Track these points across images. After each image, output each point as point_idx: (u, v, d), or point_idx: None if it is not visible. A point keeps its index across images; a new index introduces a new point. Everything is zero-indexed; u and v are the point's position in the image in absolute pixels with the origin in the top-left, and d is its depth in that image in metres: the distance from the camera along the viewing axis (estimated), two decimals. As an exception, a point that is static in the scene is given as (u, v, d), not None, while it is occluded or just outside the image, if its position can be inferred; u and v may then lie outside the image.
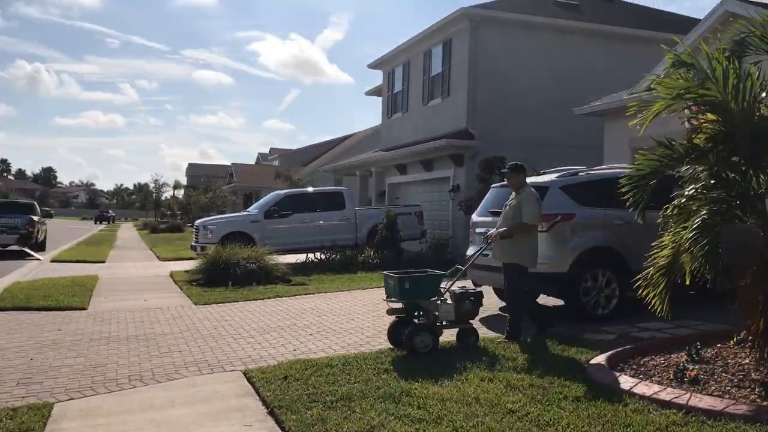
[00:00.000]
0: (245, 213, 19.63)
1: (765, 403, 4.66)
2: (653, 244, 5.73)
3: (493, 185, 10.05)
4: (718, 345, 6.16)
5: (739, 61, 5.25)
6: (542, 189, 8.68)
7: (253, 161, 72.79)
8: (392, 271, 7.28)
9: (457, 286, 7.33)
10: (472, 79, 19.12)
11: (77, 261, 20.89)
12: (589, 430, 4.35)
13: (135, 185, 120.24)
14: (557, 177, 8.84)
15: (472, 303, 7.14)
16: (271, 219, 17.43)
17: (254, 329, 8.71)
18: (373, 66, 26.28)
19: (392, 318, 7.23)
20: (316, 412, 4.95)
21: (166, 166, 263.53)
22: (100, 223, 78.63)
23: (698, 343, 5.98)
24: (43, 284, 13.46)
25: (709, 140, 5.40)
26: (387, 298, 7.14)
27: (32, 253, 23.31)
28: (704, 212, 5.29)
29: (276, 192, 19.43)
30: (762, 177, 5.29)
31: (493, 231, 7.65)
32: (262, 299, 11.46)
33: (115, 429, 4.95)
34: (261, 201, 19.35)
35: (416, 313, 7.01)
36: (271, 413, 5.13)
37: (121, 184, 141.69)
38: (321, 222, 17.99)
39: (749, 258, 5.30)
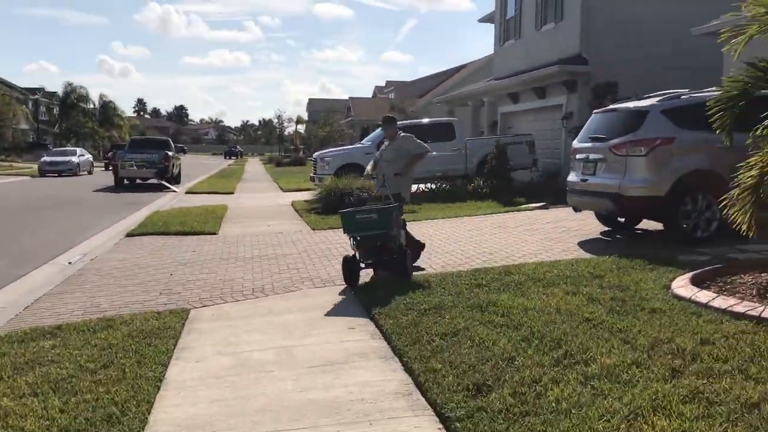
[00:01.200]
0: (359, 145, 20.37)
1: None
2: (739, 164, 5.77)
3: (594, 111, 10.06)
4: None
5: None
6: (642, 113, 8.69)
7: (370, 95, 73.64)
8: (352, 209, 7.63)
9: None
10: (585, 1, 18.53)
11: (209, 193, 22.69)
12: (658, 336, 4.68)
13: (260, 121, 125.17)
14: (658, 101, 8.77)
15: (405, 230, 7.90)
16: (383, 151, 18.02)
17: (363, 251, 9.43)
18: (486, -8, 25.85)
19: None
20: (411, 318, 5.57)
21: (289, 102, 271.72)
22: (229, 158, 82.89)
23: (791, 263, 6.04)
24: (179, 213, 14.94)
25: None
26: (353, 232, 7.25)
27: (169, 185, 25.45)
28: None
29: (387, 124, 19.93)
30: None
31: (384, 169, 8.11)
32: (373, 225, 12.17)
33: (240, 329, 5.81)
34: (374, 134, 19.97)
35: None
36: (372, 319, 5.81)
37: (247, 121, 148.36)
38: (431, 153, 18.36)
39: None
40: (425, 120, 22.21)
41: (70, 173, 35.70)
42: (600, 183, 8.89)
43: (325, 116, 59.15)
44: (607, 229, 10.04)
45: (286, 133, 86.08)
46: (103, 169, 42.03)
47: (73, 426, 3.75)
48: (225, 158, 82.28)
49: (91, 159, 41.61)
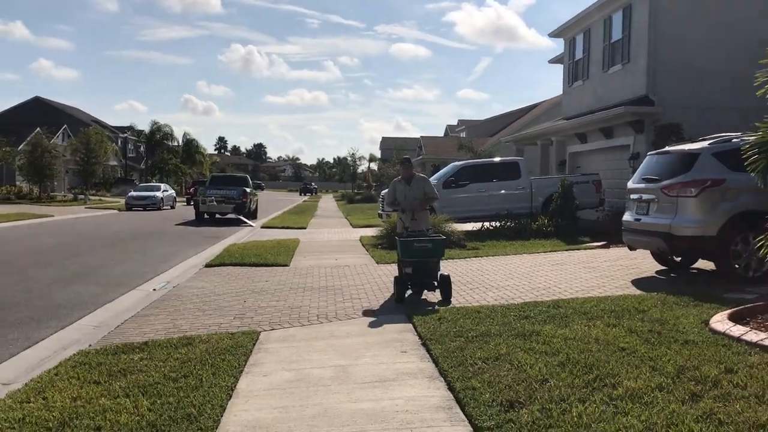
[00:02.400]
0: (426, 183, 20.95)
1: None
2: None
3: (649, 153, 10.35)
4: None
5: None
6: (693, 156, 8.96)
7: (443, 133, 74.53)
8: (409, 238, 8.71)
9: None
10: (653, 43, 18.75)
11: (283, 227, 23.74)
12: (685, 365, 5.01)
13: (334, 159, 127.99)
14: (710, 144, 9.03)
15: None
16: (449, 189, 18.59)
17: (423, 284, 9.95)
18: (554, 35, 26.28)
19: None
20: (458, 344, 6.05)
21: (363, 140, 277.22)
22: (305, 194, 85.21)
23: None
24: (254, 246, 15.84)
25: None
26: (409, 258, 8.54)
27: (246, 220, 26.70)
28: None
29: (454, 163, 20.55)
30: None
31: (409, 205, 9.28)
32: (435, 260, 12.69)
33: (303, 350, 6.42)
34: (440, 172, 20.59)
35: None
36: (424, 344, 6.32)
37: (323, 158, 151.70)
38: (497, 191, 18.82)
39: None
40: (489, 160, 22.74)
41: (155, 207, 37.72)
42: (652, 222, 9.17)
43: (397, 154, 60.26)
44: (662, 268, 10.23)
45: (359, 170, 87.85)
46: (185, 203, 44.16)
47: (158, 421, 4.41)
48: (300, 195, 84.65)
49: (174, 194, 43.76)
